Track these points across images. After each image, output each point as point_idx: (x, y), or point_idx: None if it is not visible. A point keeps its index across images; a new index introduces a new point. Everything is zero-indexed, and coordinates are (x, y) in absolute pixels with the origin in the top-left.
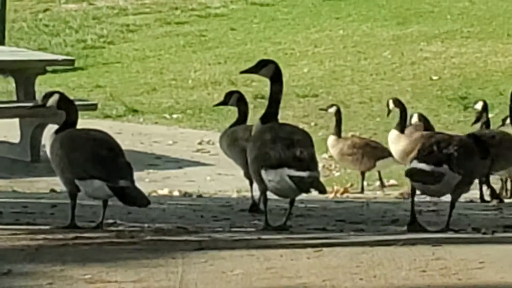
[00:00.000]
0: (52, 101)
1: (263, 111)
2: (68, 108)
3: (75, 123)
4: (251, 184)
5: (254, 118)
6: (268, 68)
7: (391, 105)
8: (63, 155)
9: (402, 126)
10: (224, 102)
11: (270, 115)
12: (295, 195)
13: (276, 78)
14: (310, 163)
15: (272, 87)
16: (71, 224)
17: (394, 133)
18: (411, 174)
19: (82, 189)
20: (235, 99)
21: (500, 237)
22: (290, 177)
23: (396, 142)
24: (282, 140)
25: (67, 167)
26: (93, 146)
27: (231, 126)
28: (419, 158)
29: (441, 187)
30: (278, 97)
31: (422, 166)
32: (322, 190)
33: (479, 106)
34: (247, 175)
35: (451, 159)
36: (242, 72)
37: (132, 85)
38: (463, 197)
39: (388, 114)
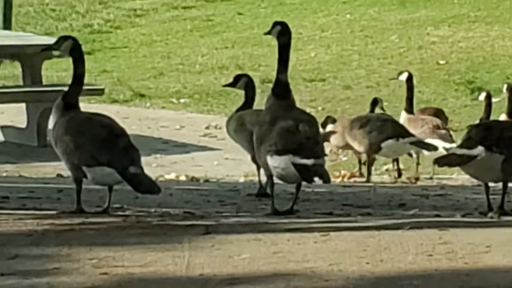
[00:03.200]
0: (65, 46)
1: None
2: (79, 58)
3: (82, 75)
4: (258, 168)
5: (261, 102)
6: (242, 81)
7: (403, 77)
8: (69, 141)
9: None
10: (233, 84)
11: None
12: (300, 181)
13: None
14: (315, 150)
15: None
16: (77, 209)
17: (403, 115)
18: (437, 160)
19: (89, 176)
20: (244, 82)
21: (507, 221)
22: (295, 165)
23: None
24: (288, 126)
25: (73, 153)
26: (101, 132)
27: (237, 110)
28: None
29: (481, 169)
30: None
31: (456, 150)
32: (326, 180)
33: (482, 97)
34: (254, 159)
35: (489, 140)
36: (223, 86)
37: (139, 70)
38: (471, 181)
39: (393, 79)
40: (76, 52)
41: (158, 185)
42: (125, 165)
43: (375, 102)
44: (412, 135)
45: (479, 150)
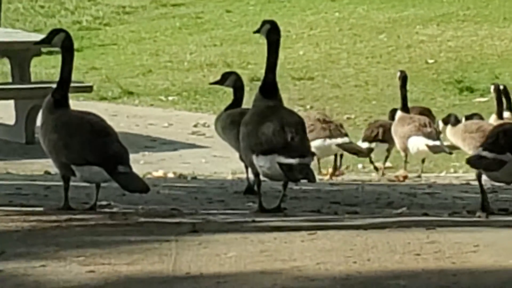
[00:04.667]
0: (58, 39)
1: None
2: (70, 51)
3: (71, 69)
4: (246, 166)
5: (249, 100)
6: (231, 79)
7: (398, 75)
8: (57, 139)
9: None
10: (221, 82)
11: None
12: (286, 180)
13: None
14: (301, 150)
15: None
16: (64, 206)
17: (398, 114)
18: (472, 161)
19: (77, 174)
20: (232, 80)
21: (495, 221)
22: (280, 164)
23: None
24: (274, 125)
25: (62, 152)
26: (90, 131)
27: (226, 109)
28: (484, 146)
29: (506, 174)
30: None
31: (485, 153)
32: (312, 179)
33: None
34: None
35: None
36: (211, 84)
37: (128, 67)
38: (459, 180)
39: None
40: (67, 45)
41: (147, 183)
42: (114, 164)
43: (394, 111)
44: (343, 137)
45: (508, 157)
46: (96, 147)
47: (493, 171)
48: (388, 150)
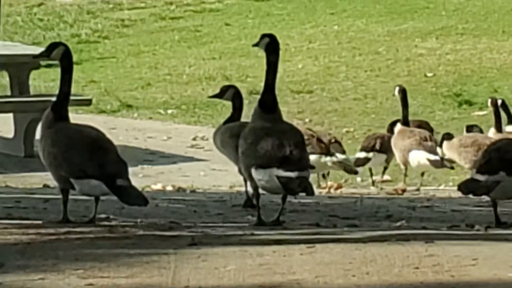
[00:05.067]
0: (57, 52)
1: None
2: (69, 64)
3: (71, 83)
4: (245, 179)
5: (248, 114)
6: (230, 93)
7: (396, 92)
8: (57, 153)
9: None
10: (220, 95)
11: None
12: (285, 193)
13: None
14: (300, 163)
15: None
16: (63, 219)
17: (398, 127)
18: (462, 185)
19: (77, 187)
20: (231, 94)
21: (494, 234)
22: (278, 177)
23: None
24: (272, 139)
25: (61, 165)
26: (89, 144)
27: (225, 122)
28: (477, 168)
29: (503, 192)
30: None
31: (478, 176)
32: (310, 192)
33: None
34: (241, 171)
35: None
36: (210, 97)
37: (127, 80)
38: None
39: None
40: (66, 59)
41: (146, 196)
42: (113, 177)
43: (394, 123)
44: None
45: (501, 176)
46: (95, 160)
47: (484, 195)
48: (387, 161)
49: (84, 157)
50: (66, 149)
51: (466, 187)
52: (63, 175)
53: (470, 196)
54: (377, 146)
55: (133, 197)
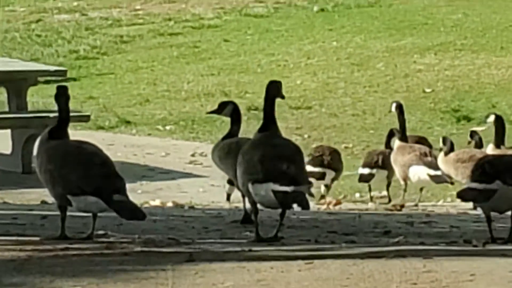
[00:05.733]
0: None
1: (256, 122)
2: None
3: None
4: (243, 195)
5: (247, 130)
6: (228, 109)
7: (393, 108)
8: (53, 170)
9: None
10: (218, 111)
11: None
12: (280, 207)
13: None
14: (296, 178)
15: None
16: (61, 235)
17: (396, 143)
18: (462, 193)
19: (74, 204)
20: (230, 109)
21: (492, 250)
22: (274, 192)
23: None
24: (270, 154)
25: (58, 182)
26: (86, 160)
27: (223, 138)
28: (473, 179)
29: (498, 203)
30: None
31: (475, 185)
32: (305, 206)
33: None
34: (239, 186)
35: (504, 174)
36: (208, 113)
37: (125, 96)
38: (456, 209)
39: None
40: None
41: (143, 211)
42: (110, 193)
43: (391, 134)
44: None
45: (497, 184)
46: (92, 177)
47: (483, 202)
48: (388, 177)
49: (81, 173)
50: (63, 165)
51: (467, 194)
52: (61, 192)
53: (469, 210)
54: (380, 163)
55: (131, 211)
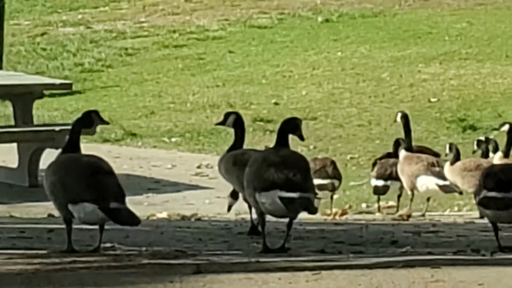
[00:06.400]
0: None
1: (261, 134)
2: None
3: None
4: (249, 207)
5: (252, 141)
6: (231, 119)
7: (398, 118)
8: (56, 180)
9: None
10: (223, 122)
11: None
12: (288, 215)
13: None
14: (302, 185)
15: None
16: (68, 248)
17: (402, 153)
18: (484, 202)
19: (75, 215)
20: (232, 120)
21: (500, 259)
22: (281, 198)
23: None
24: (276, 163)
25: (59, 191)
26: (85, 169)
27: (229, 150)
28: (487, 188)
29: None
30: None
31: (493, 194)
32: (312, 211)
33: (505, 128)
34: (246, 198)
35: None
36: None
37: (131, 109)
38: (463, 218)
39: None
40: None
41: (138, 217)
42: (107, 201)
43: (398, 144)
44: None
45: None
46: (90, 184)
47: (504, 210)
48: (401, 188)
49: (79, 181)
50: (64, 175)
51: (489, 203)
52: (62, 201)
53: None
54: (394, 174)
55: (125, 216)
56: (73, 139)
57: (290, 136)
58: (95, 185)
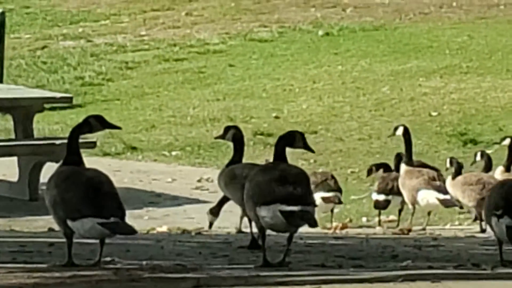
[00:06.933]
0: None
1: (261, 147)
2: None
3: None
4: (250, 221)
5: (253, 155)
6: (230, 133)
7: (399, 132)
8: (56, 194)
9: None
10: (223, 136)
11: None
12: (289, 229)
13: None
14: (303, 198)
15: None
16: (68, 262)
17: (403, 167)
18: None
19: (75, 230)
20: (231, 134)
21: (500, 273)
22: (281, 211)
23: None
24: (276, 178)
25: (59, 206)
26: (84, 184)
27: (228, 165)
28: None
29: None
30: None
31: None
32: (313, 224)
33: (506, 142)
34: (246, 212)
35: None
36: (215, 138)
37: (131, 122)
38: (464, 232)
39: (391, 136)
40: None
41: (134, 228)
42: (105, 215)
43: (398, 157)
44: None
45: None
46: (88, 199)
47: None
48: (402, 203)
49: (77, 196)
50: (63, 190)
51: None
52: (61, 216)
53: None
54: (395, 189)
55: (121, 227)
56: (71, 146)
57: (291, 150)
58: (94, 202)
